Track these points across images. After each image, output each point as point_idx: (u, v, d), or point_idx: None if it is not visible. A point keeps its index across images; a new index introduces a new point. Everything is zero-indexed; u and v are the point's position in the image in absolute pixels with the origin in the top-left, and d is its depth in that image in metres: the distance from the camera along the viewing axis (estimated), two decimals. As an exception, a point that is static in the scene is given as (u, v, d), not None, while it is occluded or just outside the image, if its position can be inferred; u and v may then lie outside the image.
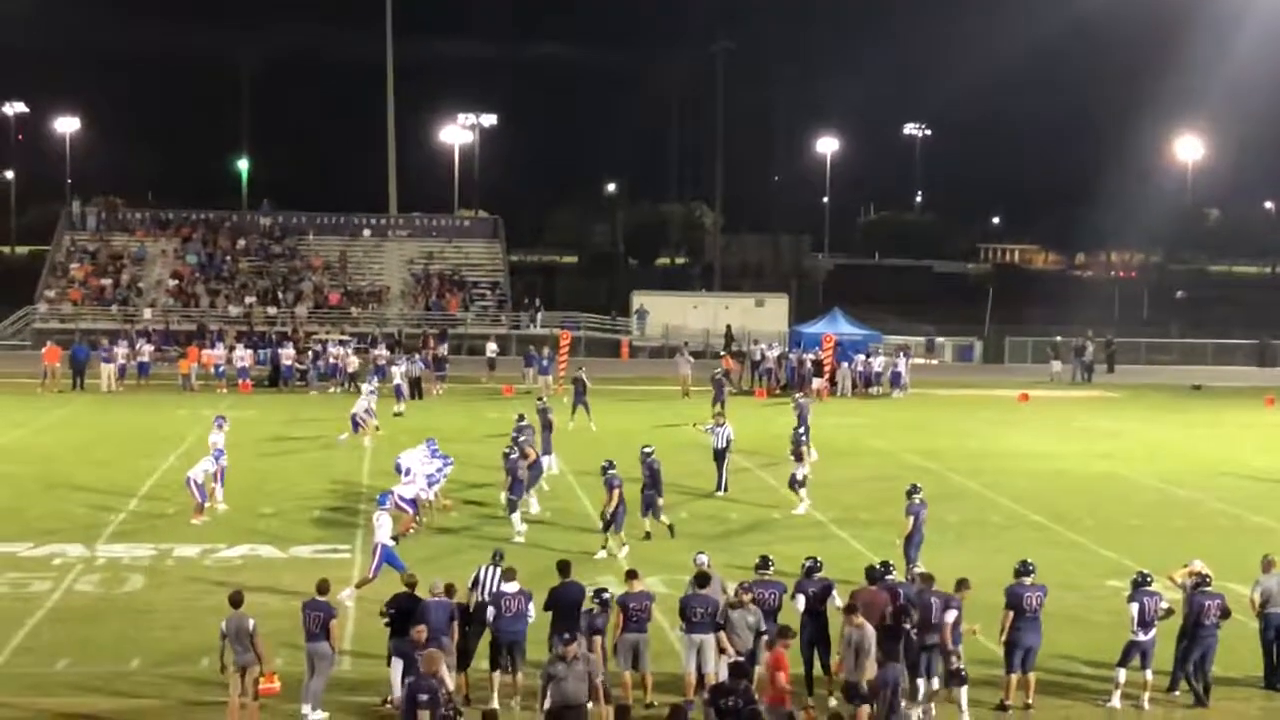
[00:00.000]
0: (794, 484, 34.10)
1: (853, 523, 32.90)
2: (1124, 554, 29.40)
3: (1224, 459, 44.38)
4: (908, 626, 20.03)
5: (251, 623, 19.05)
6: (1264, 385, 67.53)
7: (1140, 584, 20.71)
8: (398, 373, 53.63)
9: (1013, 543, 29.83)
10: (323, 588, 20.09)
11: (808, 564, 21.30)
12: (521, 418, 35.67)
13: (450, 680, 18.41)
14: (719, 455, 36.27)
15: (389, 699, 19.81)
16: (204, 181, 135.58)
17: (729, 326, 79.74)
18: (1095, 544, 31.04)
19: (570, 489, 36.08)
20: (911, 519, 26.59)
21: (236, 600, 19.45)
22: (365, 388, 46.77)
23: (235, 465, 34.46)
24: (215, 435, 34.89)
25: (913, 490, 27.08)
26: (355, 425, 42.80)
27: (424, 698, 16.54)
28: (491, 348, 65.92)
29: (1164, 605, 20.72)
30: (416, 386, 56.11)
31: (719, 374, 52.74)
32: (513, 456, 31.33)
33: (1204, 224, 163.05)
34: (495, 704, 19.18)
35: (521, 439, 32.92)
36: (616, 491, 28.57)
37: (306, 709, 19.47)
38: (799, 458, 34.49)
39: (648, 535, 30.02)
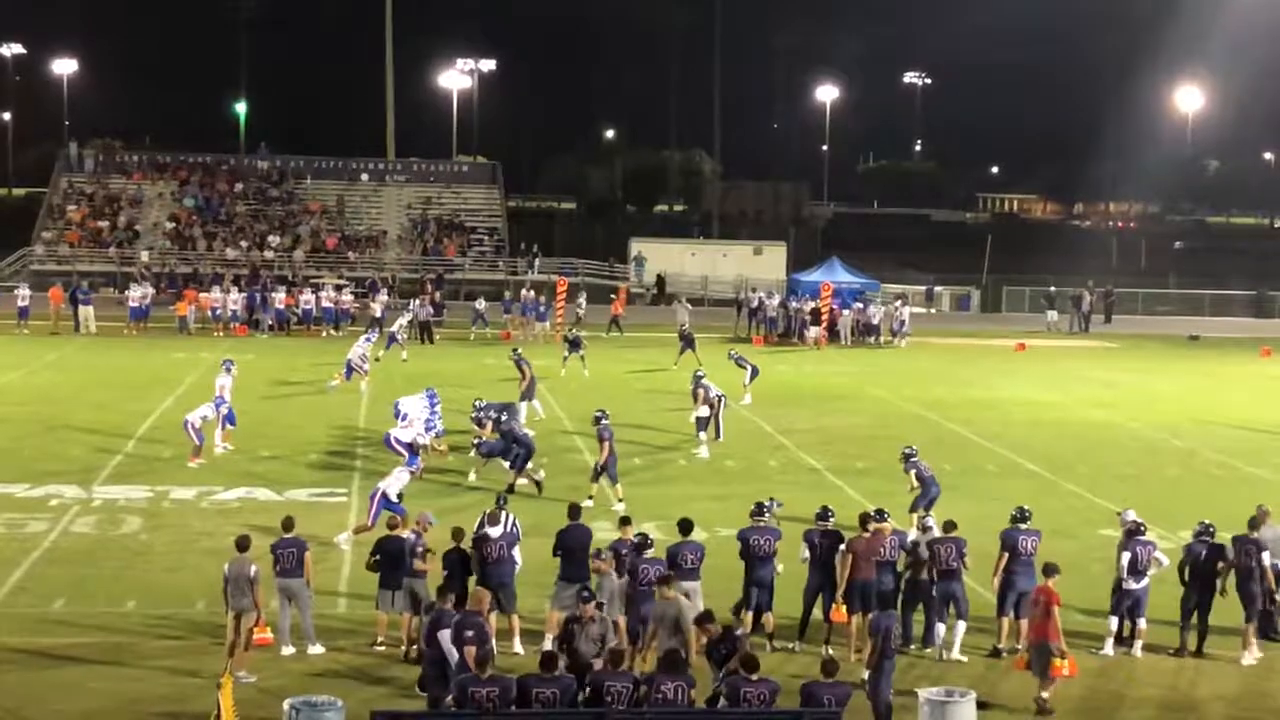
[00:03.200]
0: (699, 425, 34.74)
1: (848, 471, 32.94)
2: (1119, 503, 29.33)
3: (1220, 409, 44.40)
4: (923, 577, 20.22)
5: (254, 569, 19.08)
6: (1261, 336, 67.62)
7: (1133, 533, 20.79)
8: (402, 321, 53.22)
9: (1008, 491, 29.85)
10: (288, 524, 20.37)
11: (818, 513, 21.27)
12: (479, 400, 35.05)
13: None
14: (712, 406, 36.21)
15: (379, 641, 20.04)
16: (202, 125, 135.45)
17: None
18: (1090, 493, 31.08)
19: (567, 436, 36.11)
20: (914, 477, 26.64)
21: (243, 545, 19.49)
22: (364, 335, 46.66)
23: (234, 408, 34.40)
24: (223, 379, 34.83)
25: (909, 454, 27.09)
26: (349, 371, 42.60)
27: (470, 634, 16.68)
28: (528, 294, 65.12)
29: (1157, 555, 20.81)
30: (427, 331, 56.22)
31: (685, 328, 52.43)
32: (488, 413, 31.30)
33: (1203, 175, 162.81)
34: (491, 646, 19.20)
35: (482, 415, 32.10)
36: (607, 444, 28.55)
37: (288, 649, 19.70)
38: (696, 399, 34.82)
39: (511, 489, 29.17)
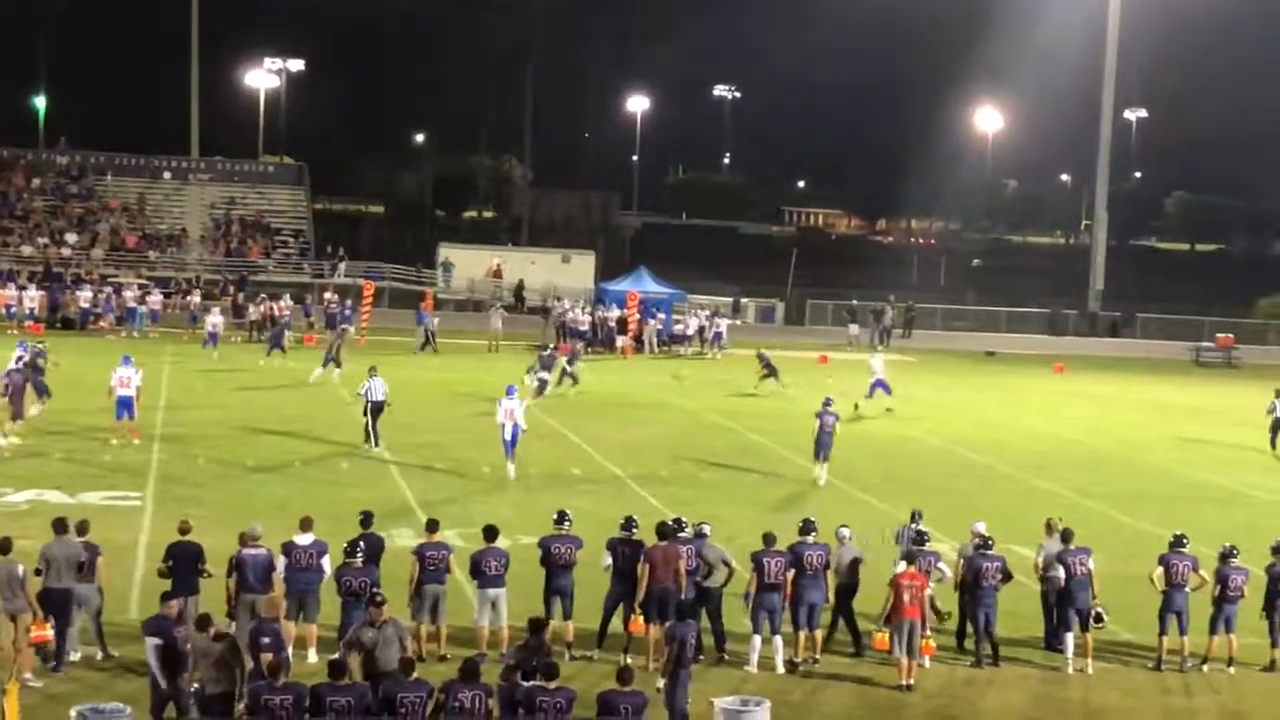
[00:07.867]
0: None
1: (651, 479, 33.13)
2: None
3: (1013, 424, 45.49)
4: (713, 584, 20.52)
5: (21, 569, 18.68)
6: (1054, 353, 69.46)
7: (916, 542, 21.31)
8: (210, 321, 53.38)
9: (803, 501, 30.26)
10: (82, 528, 20.03)
11: (622, 523, 21.14)
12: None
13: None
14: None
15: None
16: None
17: (524, 282, 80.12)
18: (884, 504, 31.53)
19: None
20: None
21: (5, 547, 19.03)
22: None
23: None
24: None
25: None
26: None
27: (266, 641, 16.61)
28: (330, 298, 64.51)
29: (940, 566, 21.28)
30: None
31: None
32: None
33: (1002, 195, 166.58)
34: (289, 653, 18.99)
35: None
36: None
37: (76, 655, 19.41)
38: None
39: None
